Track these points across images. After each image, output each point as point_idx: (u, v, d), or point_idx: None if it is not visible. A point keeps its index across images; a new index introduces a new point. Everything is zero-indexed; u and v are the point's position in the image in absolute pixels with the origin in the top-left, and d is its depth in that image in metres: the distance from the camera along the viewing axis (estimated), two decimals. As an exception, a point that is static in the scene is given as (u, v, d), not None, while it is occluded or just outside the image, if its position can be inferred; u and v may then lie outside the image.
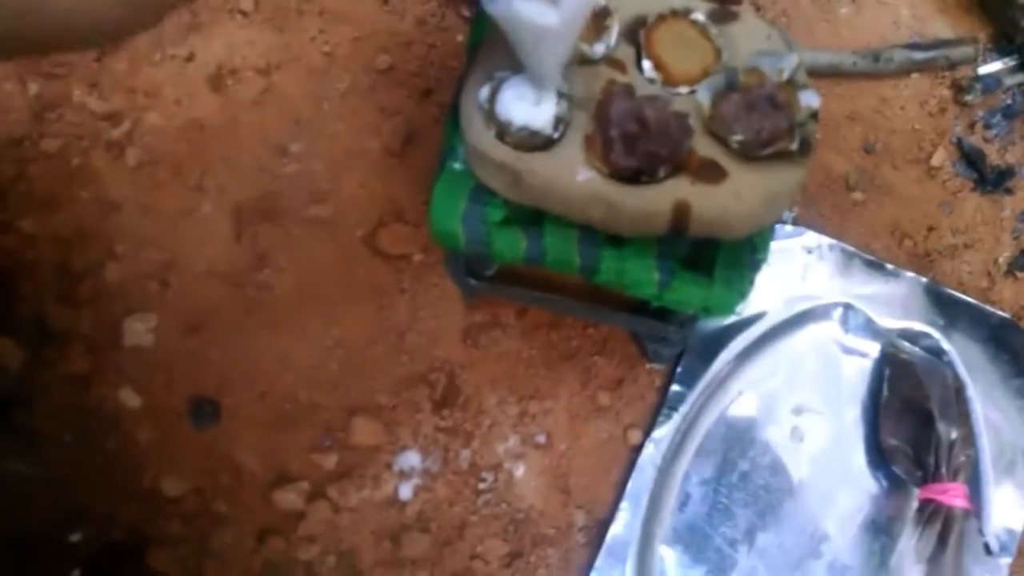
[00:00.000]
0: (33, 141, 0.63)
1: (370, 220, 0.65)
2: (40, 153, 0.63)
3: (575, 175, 0.48)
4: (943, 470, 0.58)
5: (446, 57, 0.70)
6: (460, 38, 0.71)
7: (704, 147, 0.48)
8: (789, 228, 0.66)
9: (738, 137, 0.47)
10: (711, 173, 0.48)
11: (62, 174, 0.63)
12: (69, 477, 0.58)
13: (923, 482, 0.59)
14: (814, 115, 0.51)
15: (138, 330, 0.61)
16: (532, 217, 0.51)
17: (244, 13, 0.70)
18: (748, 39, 0.51)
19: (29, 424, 0.58)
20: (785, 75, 0.49)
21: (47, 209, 0.62)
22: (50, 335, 0.60)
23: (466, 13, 0.72)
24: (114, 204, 0.63)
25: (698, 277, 0.51)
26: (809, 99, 0.49)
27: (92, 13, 0.33)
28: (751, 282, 0.52)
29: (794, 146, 0.48)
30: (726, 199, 0.47)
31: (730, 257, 0.52)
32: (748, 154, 0.48)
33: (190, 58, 0.67)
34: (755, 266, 0.53)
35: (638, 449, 0.62)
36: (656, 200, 0.47)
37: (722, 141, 0.48)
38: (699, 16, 0.52)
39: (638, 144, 0.46)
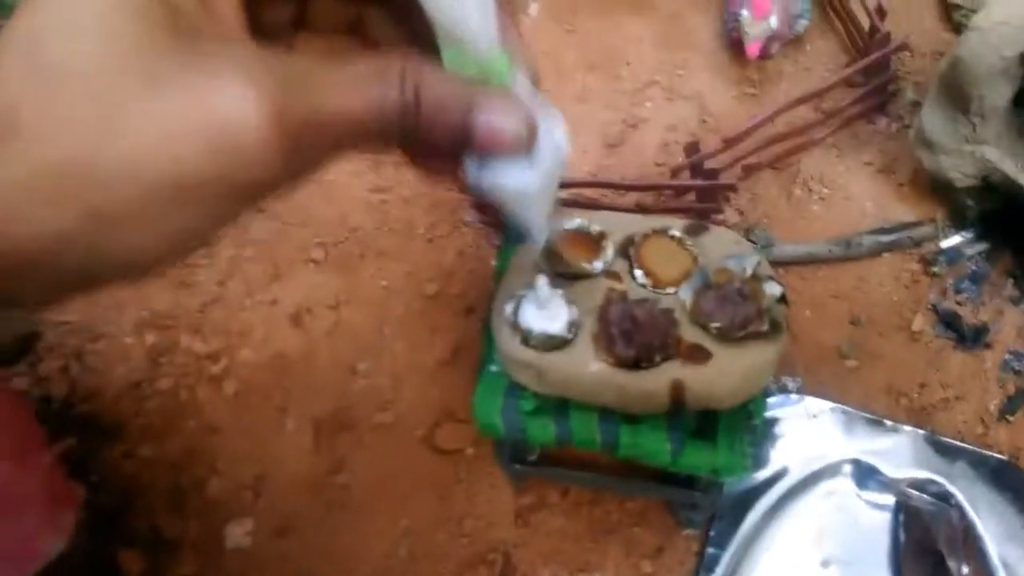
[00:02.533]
0: (149, 382, 0.77)
1: (428, 422, 0.76)
2: (155, 391, 0.77)
3: (587, 367, 0.59)
4: (963, 606, 0.63)
5: (483, 279, 0.84)
6: (493, 262, 0.85)
7: (690, 335, 0.59)
8: (795, 396, 0.75)
9: (716, 324, 0.58)
10: (698, 355, 0.58)
11: (173, 407, 0.76)
12: (179, 673, 0.66)
13: (948, 620, 0.64)
14: (781, 300, 0.62)
15: (237, 534, 0.71)
16: (558, 405, 0.62)
17: (316, 262, 0.85)
18: (718, 245, 0.64)
19: (147, 625, 0.67)
20: (748, 271, 0.61)
21: (161, 437, 0.75)
22: (163, 543, 0.70)
23: (496, 242, 0.86)
24: (215, 428, 0.76)
25: (704, 444, 0.61)
26: (772, 288, 0.60)
27: (142, 252, 0.32)
28: (751, 444, 0.61)
29: (764, 327, 0.58)
30: (713, 376, 0.57)
31: (729, 425, 0.61)
32: (727, 337, 0.58)
33: (274, 302, 0.82)
34: (753, 431, 0.62)
35: (683, 612, 0.68)
36: (655, 381, 0.58)
37: (704, 328, 0.59)
38: (676, 232, 0.64)
39: (634, 337, 0.58)
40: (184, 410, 0.76)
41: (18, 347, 0.77)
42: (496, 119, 0.39)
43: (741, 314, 0.58)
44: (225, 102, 0.31)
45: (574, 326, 0.60)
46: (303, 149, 0.34)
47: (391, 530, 0.72)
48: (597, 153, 0.89)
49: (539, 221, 0.53)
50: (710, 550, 0.70)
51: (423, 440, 0.76)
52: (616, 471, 0.71)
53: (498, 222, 0.86)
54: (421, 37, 0.42)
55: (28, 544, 0.58)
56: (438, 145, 0.40)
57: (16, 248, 0.31)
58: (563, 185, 0.82)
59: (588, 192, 0.82)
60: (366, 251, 0.85)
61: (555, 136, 0.45)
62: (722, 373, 0.57)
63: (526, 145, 0.43)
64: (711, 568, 0.69)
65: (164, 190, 0.32)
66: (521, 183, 0.45)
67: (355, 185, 0.89)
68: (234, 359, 0.79)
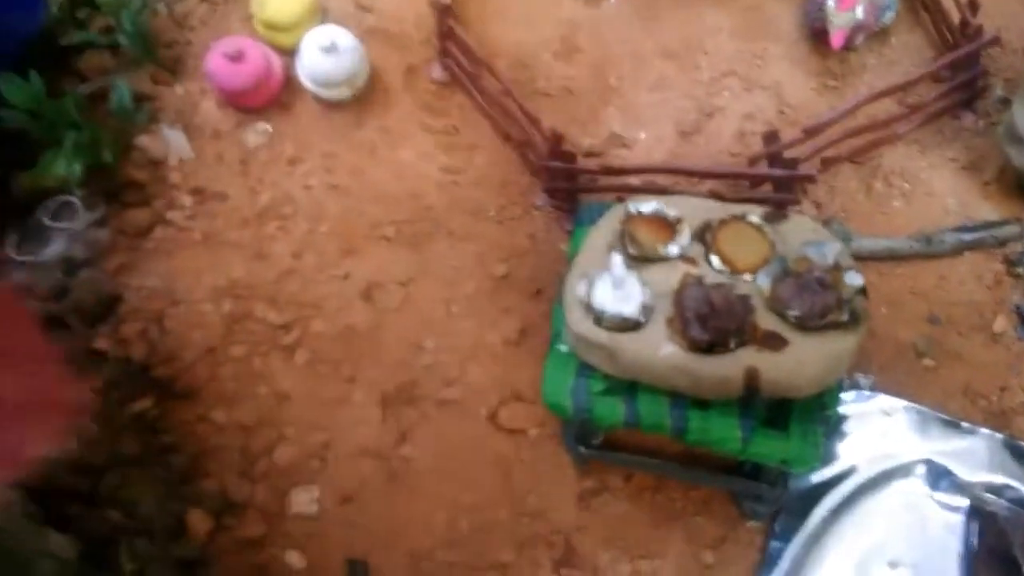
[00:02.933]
0: (224, 349, 0.79)
1: (492, 400, 0.77)
2: (229, 358, 0.78)
3: (659, 350, 0.58)
4: (1038, 615, 0.61)
5: (552, 263, 0.84)
6: (563, 247, 0.85)
7: (767, 322, 0.58)
8: (867, 393, 0.74)
9: (794, 312, 0.57)
10: (774, 342, 0.57)
11: (246, 374, 0.78)
12: (244, 632, 0.68)
13: (1022, 628, 0.62)
14: (861, 291, 0.61)
15: (303, 500, 0.72)
16: (628, 387, 0.62)
17: (388, 239, 0.86)
18: (797, 233, 0.63)
19: (212, 582, 0.69)
20: (830, 260, 0.60)
21: (233, 403, 0.76)
22: (230, 505, 0.72)
23: (568, 227, 0.86)
24: (285, 396, 0.77)
25: (776, 433, 0.60)
26: (853, 279, 0.59)
27: None
28: (824, 435, 0.60)
29: (844, 317, 0.58)
30: (790, 363, 0.57)
31: (803, 414, 0.60)
32: (805, 325, 0.57)
33: (346, 277, 0.83)
34: (826, 421, 0.61)
35: (744, 604, 0.67)
36: (729, 367, 0.57)
37: (782, 316, 0.58)
38: (754, 218, 0.64)
39: (710, 322, 0.57)
40: (256, 377, 0.78)
41: (101, 309, 0.79)
42: None
43: (820, 303, 0.58)
44: None
45: (647, 309, 0.60)
46: None
47: (453, 504, 0.72)
48: (672, 141, 0.88)
49: None
50: (774, 544, 0.69)
51: (487, 418, 0.76)
52: (680, 459, 0.70)
53: (570, 207, 0.85)
54: None
55: (17, 450, 0.56)
56: None
57: None
58: (637, 170, 0.82)
59: (661, 179, 0.81)
60: (437, 230, 0.86)
61: None
62: (799, 361, 0.57)
63: None
64: (774, 562, 0.68)
65: None
66: None
67: (427, 166, 0.90)
68: (306, 330, 0.80)
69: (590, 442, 0.71)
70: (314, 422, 0.76)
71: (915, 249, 0.77)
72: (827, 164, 0.82)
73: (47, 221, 0.82)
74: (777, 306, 0.58)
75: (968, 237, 0.77)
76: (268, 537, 0.71)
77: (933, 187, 0.82)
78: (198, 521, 0.71)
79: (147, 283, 0.81)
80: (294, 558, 0.70)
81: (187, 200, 0.86)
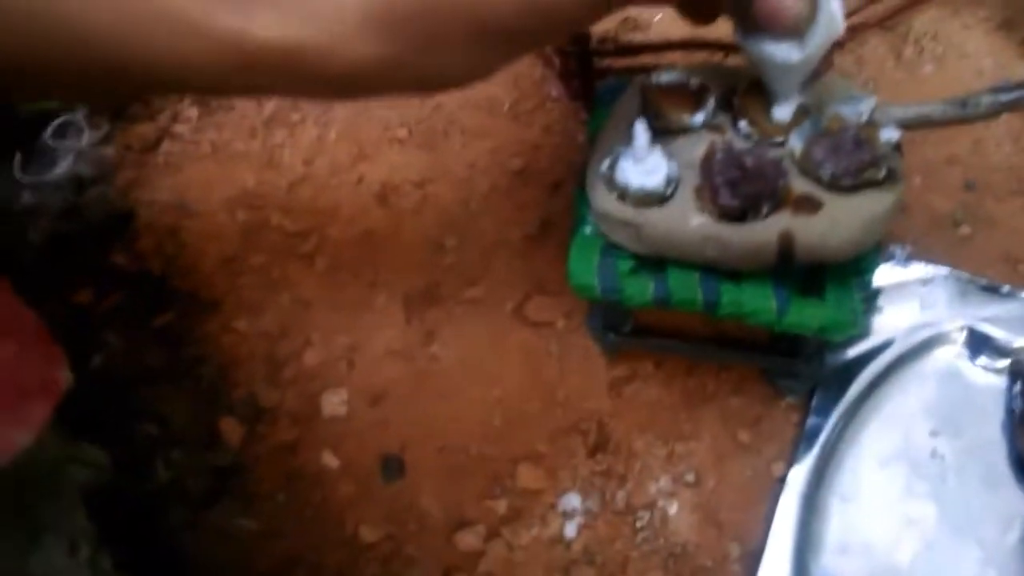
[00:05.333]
0: (242, 259, 0.78)
1: (517, 295, 0.75)
2: (248, 267, 0.77)
3: (688, 222, 0.56)
4: (1085, 469, 0.60)
5: (570, 155, 0.81)
6: (580, 138, 0.82)
7: (800, 185, 0.56)
8: (902, 264, 0.71)
9: (828, 172, 0.55)
10: (808, 205, 0.55)
11: (266, 283, 0.77)
12: (284, 530, 0.68)
13: (1068, 484, 0.61)
14: (897, 148, 0.58)
15: (333, 403, 0.72)
16: (657, 264, 0.60)
17: (400, 141, 0.84)
18: (829, 92, 0.60)
19: (250, 488, 0.69)
20: (864, 117, 0.57)
21: (256, 311, 0.76)
22: (261, 412, 0.72)
23: (584, 117, 0.83)
24: (308, 303, 0.76)
25: (812, 301, 0.58)
26: (889, 134, 0.56)
27: (454, 75, 0.40)
28: (861, 301, 0.58)
29: (881, 175, 0.55)
30: (824, 225, 0.54)
31: (838, 280, 0.58)
32: (839, 186, 0.55)
33: (359, 180, 0.81)
34: (863, 287, 0.59)
35: (783, 481, 0.67)
36: (762, 233, 0.55)
37: (815, 178, 0.56)
38: (783, 80, 0.61)
39: (740, 187, 0.55)
40: (277, 286, 0.77)
41: (113, 225, 0.78)
42: None
43: (856, 161, 0.55)
44: None
45: (674, 181, 0.58)
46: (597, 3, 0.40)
47: (484, 399, 0.71)
48: (688, 20, 0.85)
49: (792, 91, 0.55)
50: (812, 419, 0.68)
51: (513, 313, 0.75)
52: (713, 341, 0.69)
53: (586, 96, 0.83)
54: None
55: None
56: (715, 6, 0.46)
57: (344, 69, 0.35)
58: (656, 47, 0.78)
59: (681, 59, 0.78)
60: (450, 128, 0.84)
61: (832, 12, 0.46)
62: (835, 222, 0.54)
63: (803, 27, 0.45)
64: (813, 437, 0.67)
65: (484, 28, 0.37)
66: (787, 58, 0.48)
67: (437, 62, 0.87)
68: (323, 237, 0.79)
69: (620, 329, 0.70)
70: (338, 327, 0.75)
71: (949, 114, 0.74)
72: (854, 32, 0.78)
73: (51, 141, 0.81)
74: (810, 167, 0.55)
75: (1005, 98, 0.73)
76: (301, 440, 0.71)
77: (966, 49, 0.78)
78: (230, 429, 0.71)
79: (158, 197, 0.80)
80: (329, 458, 0.70)
81: (192, 112, 0.84)
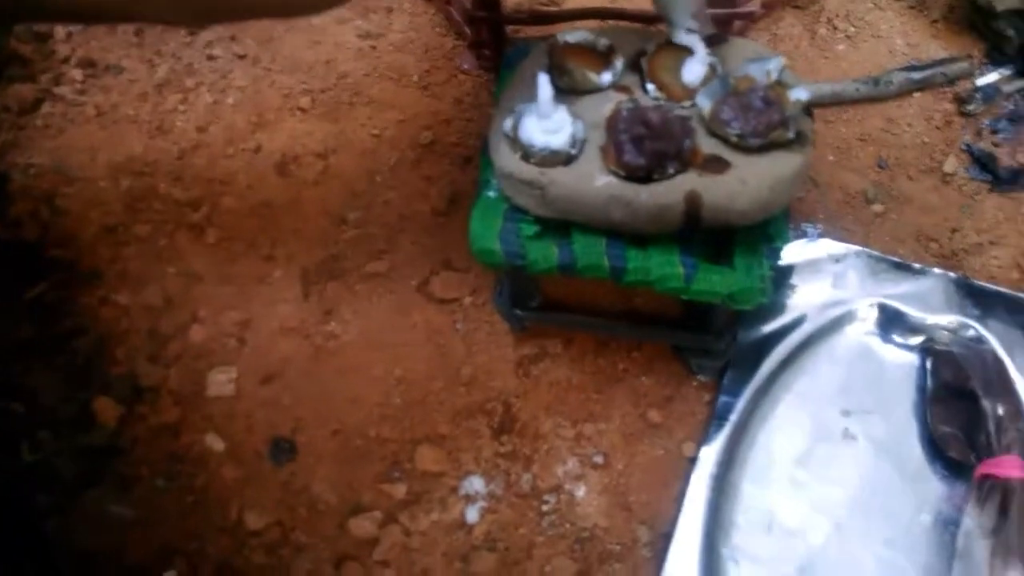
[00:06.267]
0: (126, 227, 0.72)
1: (423, 271, 0.71)
2: (132, 237, 0.72)
3: (594, 181, 0.53)
4: (995, 445, 0.59)
5: (480, 128, 0.78)
6: (491, 111, 0.79)
7: (707, 145, 0.54)
8: (814, 241, 0.70)
9: (735, 131, 0.53)
10: (716, 165, 0.53)
11: (151, 253, 0.71)
12: (163, 517, 0.62)
13: (978, 461, 0.60)
14: (807, 110, 0.56)
15: (220, 381, 0.67)
16: (562, 229, 0.57)
17: (303, 110, 0.79)
18: (738, 54, 0.58)
19: (127, 471, 0.64)
20: (773, 76, 0.55)
21: (139, 284, 0.70)
22: (142, 391, 0.66)
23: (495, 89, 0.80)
24: (197, 276, 0.71)
25: (720, 267, 0.56)
26: (798, 94, 0.54)
27: None
28: (770, 268, 0.56)
29: (790, 134, 0.53)
30: (733, 185, 0.52)
31: (747, 246, 0.56)
32: (748, 146, 0.53)
33: (257, 149, 0.77)
34: (772, 255, 0.57)
35: (694, 461, 0.64)
36: (668, 194, 0.52)
37: (723, 138, 0.53)
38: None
39: (646, 144, 0.52)
40: (163, 257, 0.72)
41: (-17, 190, 0.72)
42: None
43: (764, 121, 0.53)
44: None
45: (579, 141, 0.55)
46: None
47: (384, 378, 0.67)
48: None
49: (686, 16, 0.55)
50: (723, 398, 0.66)
51: (418, 289, 0.71)
52: (622, 316, 0.66)
53: (497, 67, 0.80)
54: None
55: None
56: None
57: None
58: (570, 16, 0.76)
59: (596, 24, 0.76)
60: (356, 99, 0.80)
61: None
62: (743, 182, 0.52)
63: None
64: (724, 416, 0.65)
65: None
66: None
67: (342, 31, 0.83)
68: (216, 207, 0.74)
69: (527, 304, 0.67)
70: (230, 302, 0.70)
71: (862, 92, 0.73)
72: (769, 8, 0.77)
73: (-82, 100, 0.74)
74: (718, 126, 0.53)
75: (917, 76, 0.73)
76: (184, 422, 0.66)
77: (879, 28, 0.78)
78: (106, 408, 0.66)
79: (36, 161, 0.74)
80: (213, 440, 0.65)
81: (77, 74, 0.78)
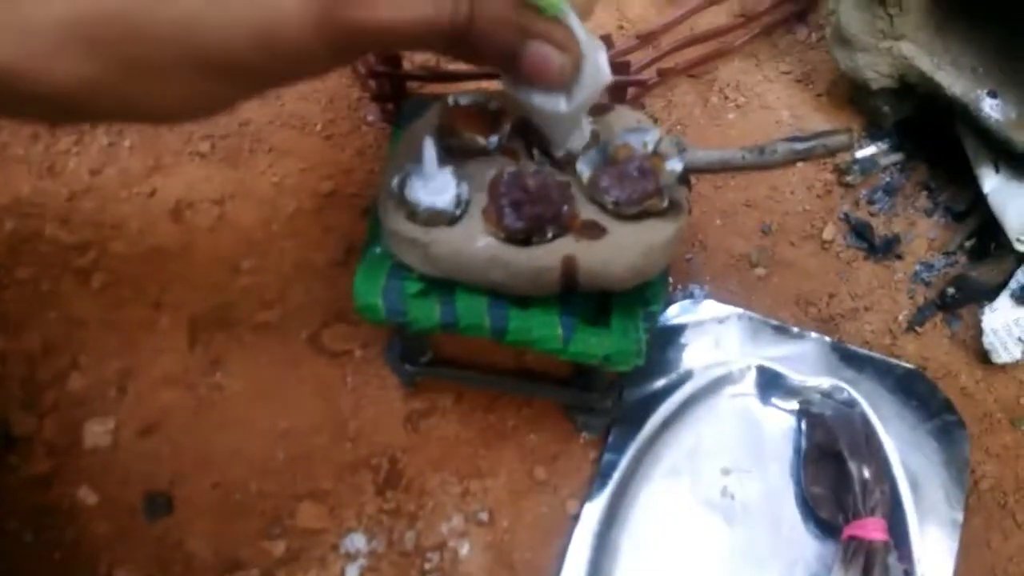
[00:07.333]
0: (7, 270, 0.70)
1: (314, 322, 0.71)
2: (13, 280, 0.70)
3: (475, 242, 0.54)
4: (860, 507, 0.61)
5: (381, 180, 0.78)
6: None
7: (586, 211, 0.55)
8: (699, 303, 0.72)
9: (612, 199, 0.54)
10: (593, 231, 0.54)
11: (33, 297, 0.69)
12: (28, 573, 0.60)
13: (846, 522, 0.62)
14: (683, 180, 0.58)
15: (97, 432, 0.65)
16: (445, 288, 0.57)
17: (202, 155, 0.79)
18: (620, 123, 0.60)
19: (-9, 526, 0.61)
20: (650, 147, 0.57)
21: (17, 328, 0.68)
22: (13, 441, 0.64)
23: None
24: (79, 321, 0.69)
25: (597, 330, 0.57)
26: (673, 165, 0.57)
27: (169, 107, 0.36)
28: (646, 331, 0.57)
29: (664, 204, 0.55)
30: (608, 252, 0.54)
31: (624, 310, 0.58)
32: (623, 213, 0.54)
33: (152, 194, 0.76)
34: (649, 318, 0.58)
35: (577, 518, 0.65)
36: (546, 257, 0.54)
37: (601, 205, 0.55)
38: (577, 109, 0.60)
39: (524, 208, 0.53)
40: (45, 301, 0.70)
41: None
42: (545, 52, 0.43)
43: (639, 189, 0.55)
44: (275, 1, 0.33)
45: (464, 202, 0.56)
46: (347, 49, 0.37)
47: (269, 432, 0.67)
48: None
49: (563, 138, 0.56)
50: (607, 456, 0.67)
51: (309, 341, 0.71)
52: (511, 374, 0.67)
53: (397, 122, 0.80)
54: None
55: None
56: (483, 59, 0.44)
57: (51, 90, 0.33)
58: (468, 76, 0.77)
59: (493, 87, 0.77)
60: (257, 146, 0.80)
61: (598, 65, 0.47)
62: (618, 248, 0.54)
63: (568, 80, 0.46)
64: (607, 474, 0.66)
65: (206, 60, 0.34)
66: (555, 108, 0.49)
67: (249, 78, 0.83)
68: (105, 251, 0.72)
69: (417, 359, 0.67)
70: (112, 349, 0.69)
71: (748, 160, 0.76)
72: (664, 76, 0.80)
73: None
74: (595, 194, 0.55)
75: (800, 147, 0.76)
76: (57, 474, 0.64)
77: (767, 100, 0.81)
78: (-27, 460, 0.63)
79: (-91, 198, 0.72)
80: (86, 494, 0.63)
81: (-35, 111, 0.77)
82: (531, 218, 0.53)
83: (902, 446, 0.66)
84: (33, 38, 0.32)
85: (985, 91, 0.66)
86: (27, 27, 0.32)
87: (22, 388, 0.66)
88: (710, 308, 0.71)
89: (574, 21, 0.45)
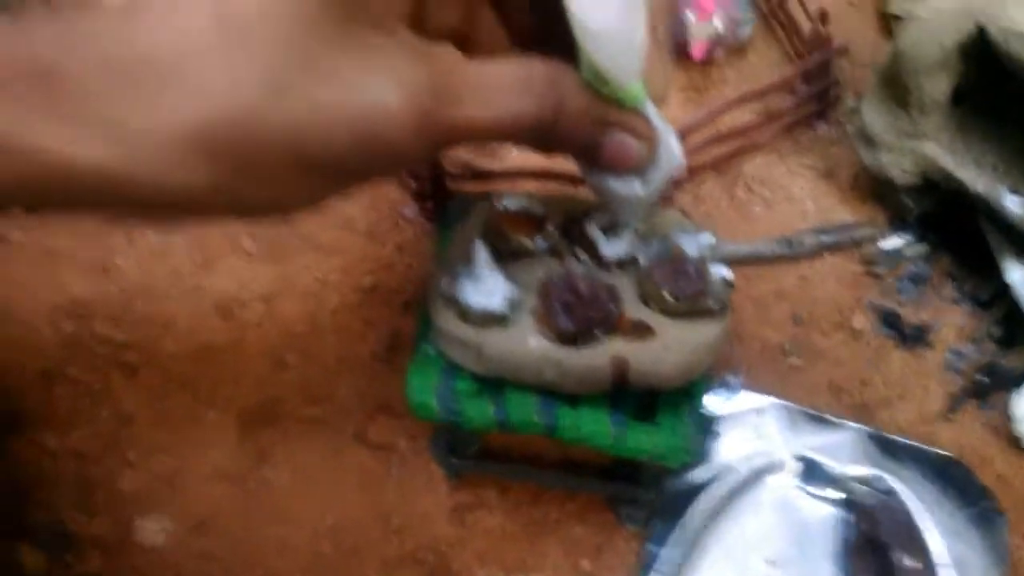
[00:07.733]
0: (60, 369, 0.72)
1: (360, 416, 0.73)
2: (65, 378, 0.72)
3: (526, 343, 0.56)
4: (907, 599, 0.61)
5: (421, 274, 0.81)
6: (431, 266, 0.82)
7: (634, 311, 0.57)
8: (736, 394, 0.74)
9: (667, 293, 0.57)
10: (641, 331, 0.56)
11: (84, 395, 0.71)
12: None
13: (894, 615, 0.62)
14: (728, 283, 0.61)
15: (150, 530, 0.66)
16: (496, 387, 0.59)
17: (248, 253, 0.81)
18: (663, 224, 0.62)
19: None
20: (700, 252, 0.60)
21: (69, 427, 0.70)
22: (68, 539, 0.65)
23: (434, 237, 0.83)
24: (129, 418, 0.71)
25: (646, 426, 0.59)
26: (719, 270, 0.59)
27: (279, 204, 0.39)
28: (692, 428, 0.59)
29: (713, 304, 0.57)
30: (657, 352, 0.56)
31: (670, 407, 0.59)
32: (673, 311, 0.57)
33: (201, 292, 0.78)
34: (695, 414, 0.60)
35: (623, 612, 0.65)
36: (596, 357, 0.55)
37: (653, 302, 0.57)
38: (621, 211, 0.63)
39: (576, 310, 0.56)
40: (97, 399, 0.71)
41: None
42: (626, 141, 0.45)
43: (693, 288, 0.57)
44: (376, 101, 0.35)
45: (514, 303, 0.58)
46: (441, 144, 0.40)
47: (317, 526, 0.67)
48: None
49: (636, 220, 0.59)
50: (650, 547, 0.67)
51: (354, 435, 0.72)
52: (557, 468, 0.68)
53: (437, 217, 0.83)
54: (529, 38, 0.46)
55: None
56: (564, 151, 0.47)
57: (164, 196, 0.34)
58: (506, 175, 0.80)
59: (531, 185, 0.80)
60: (301, 243, 0.82)
61: (671, 151, 0.50)
62: (667, 348, 0.56)
63: (646, 166, 0.49)
64: (651, 565, 0.66)
65: (310, 161, 0.36)
66: (632, 192, 0.52)
67: (292, 177, 0.86)
68: (155, 349, 0.74)
69: (464, 453, 0.68)
70: (162, 446, 0.70)
71: (777, 251, 0.79)
72: (691, 173, 0.83)
73: None
74: (651, 288, 0.57)
75: (827, 239, 0.79)
76: (111, 572, 0.64)
77: (792, 192, 0.84)
78: (33, 558, 0.64)
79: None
80: (138, 593, 0.64)
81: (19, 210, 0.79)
82: (582, 319, 0.56)
83: (944, 534, 0.67)
84: (153, 143, 0.33)
85: (1006, 188, 0.69)
86: (136, 129, 0.33)
87: (75, 486, 0.67)
88: (748, 399, 0.73)
89: (650, 108, 0.47)
